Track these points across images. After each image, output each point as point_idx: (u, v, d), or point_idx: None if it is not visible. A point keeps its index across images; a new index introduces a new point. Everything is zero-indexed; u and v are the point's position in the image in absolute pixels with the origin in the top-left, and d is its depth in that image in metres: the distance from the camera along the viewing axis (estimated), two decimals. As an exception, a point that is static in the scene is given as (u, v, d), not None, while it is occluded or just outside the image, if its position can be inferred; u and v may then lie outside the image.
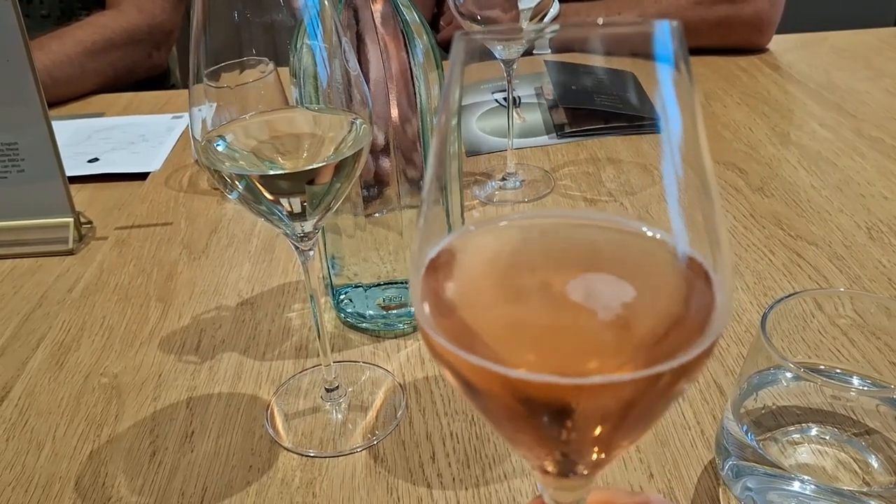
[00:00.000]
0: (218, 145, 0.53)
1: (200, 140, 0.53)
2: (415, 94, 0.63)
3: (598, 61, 0.29)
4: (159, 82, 1.62)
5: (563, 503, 0.34)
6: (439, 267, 0.32)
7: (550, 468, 0.32)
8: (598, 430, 0.29)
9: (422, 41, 0.63)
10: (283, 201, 0.52)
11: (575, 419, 0.28)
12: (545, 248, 0.35)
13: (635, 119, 0.30)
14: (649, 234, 0.32)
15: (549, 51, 0.30)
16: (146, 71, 1.55)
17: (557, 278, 0.32)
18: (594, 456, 0.31)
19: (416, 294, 0.31)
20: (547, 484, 0.34)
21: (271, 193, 0.52)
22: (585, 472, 0.32)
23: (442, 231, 0.32)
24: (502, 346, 0.30)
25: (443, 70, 0.64)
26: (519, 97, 1.17)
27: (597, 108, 1.06)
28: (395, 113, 0.63)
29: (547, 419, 0.29)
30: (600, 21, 0.27)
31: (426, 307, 0.31)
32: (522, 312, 0.31)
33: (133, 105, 1.37)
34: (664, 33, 0.27)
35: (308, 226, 0.55)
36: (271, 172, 0.52)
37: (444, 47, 0.45)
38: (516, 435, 0.31)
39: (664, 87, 0.28)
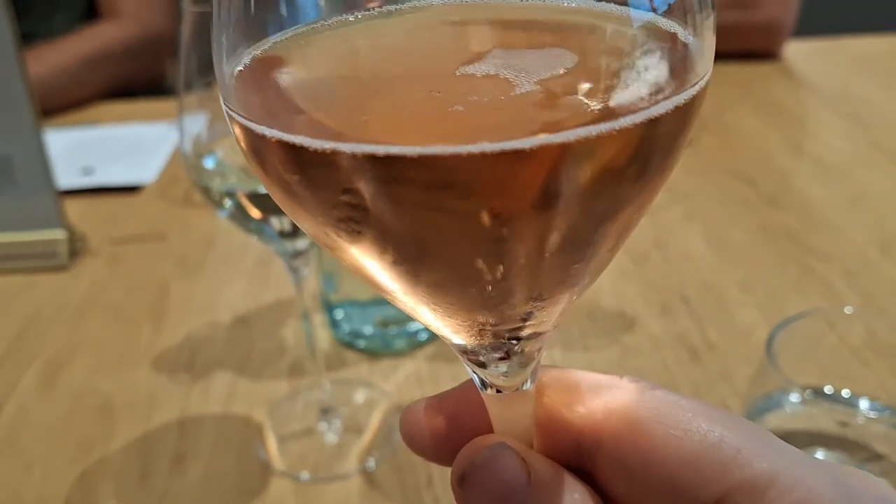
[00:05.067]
0: (207, 161, 0.52)
1: (190, 156, 0.51)
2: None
3: None
4: (154, 86, 1.59)
5: (502, 387, 0.26)
6: (275, 60, 0.24)
7: (474, 340, 0.25)
8: (534, 245, 0.21)
9: None
10: (273, 220, 0.51)
11: (500, 227, 0.20)
12: (442, 29, 0.26)
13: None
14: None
15: None
16: (146, 83, 1.52)
17: (454, 55, 0.23)
18: (530, 307, 0.23)
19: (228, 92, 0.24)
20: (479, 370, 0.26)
21: (261, 211, 0.50)
22: (522, 345, 0.25)
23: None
24: (383, 124, 0.22)
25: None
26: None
27: None
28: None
29: (468, 228, 0.21)
30: None
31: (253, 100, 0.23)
32: (412, 89, 0.22)
33: (129, 113, 1.35)
34: None
35: (300, 244, 0.53)
36: (261, 190, 0.50)
37: None
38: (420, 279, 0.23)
39: None
